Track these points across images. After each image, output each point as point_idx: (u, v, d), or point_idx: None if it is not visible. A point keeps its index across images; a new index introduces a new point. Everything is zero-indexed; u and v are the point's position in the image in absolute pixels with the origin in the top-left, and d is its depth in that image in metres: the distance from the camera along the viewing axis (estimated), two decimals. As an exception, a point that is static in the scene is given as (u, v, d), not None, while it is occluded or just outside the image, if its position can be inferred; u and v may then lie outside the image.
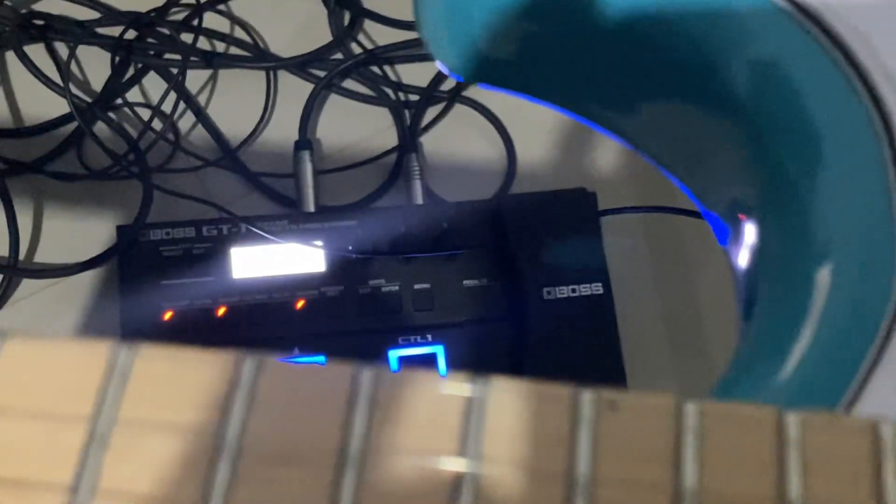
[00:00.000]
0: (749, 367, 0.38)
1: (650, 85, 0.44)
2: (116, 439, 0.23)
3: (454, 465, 0.23)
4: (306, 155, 0.88)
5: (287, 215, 0.83)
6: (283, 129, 0.92)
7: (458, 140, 0.93)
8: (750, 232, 0.42)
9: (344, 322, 0.80)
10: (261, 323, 0.79)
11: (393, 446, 0.23)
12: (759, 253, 0.41)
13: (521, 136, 0.93)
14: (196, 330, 0.78)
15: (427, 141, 0.93)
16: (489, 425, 0.23)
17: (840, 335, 0.35)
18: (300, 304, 0.80)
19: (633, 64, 0.43)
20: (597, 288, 0.81)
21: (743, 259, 0.41)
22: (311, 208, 0.86)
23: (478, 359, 0.80)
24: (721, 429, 0.23)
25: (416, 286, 0.81)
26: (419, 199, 0.88)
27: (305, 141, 0.90)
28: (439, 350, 0.80)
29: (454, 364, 0.80)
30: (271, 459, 0.23)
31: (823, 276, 0.36)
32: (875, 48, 0.37)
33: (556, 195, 0.85)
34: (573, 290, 0.81)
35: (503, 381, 0.24)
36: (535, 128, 0.90)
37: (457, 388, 0.24)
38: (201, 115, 0.93)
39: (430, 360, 0.79)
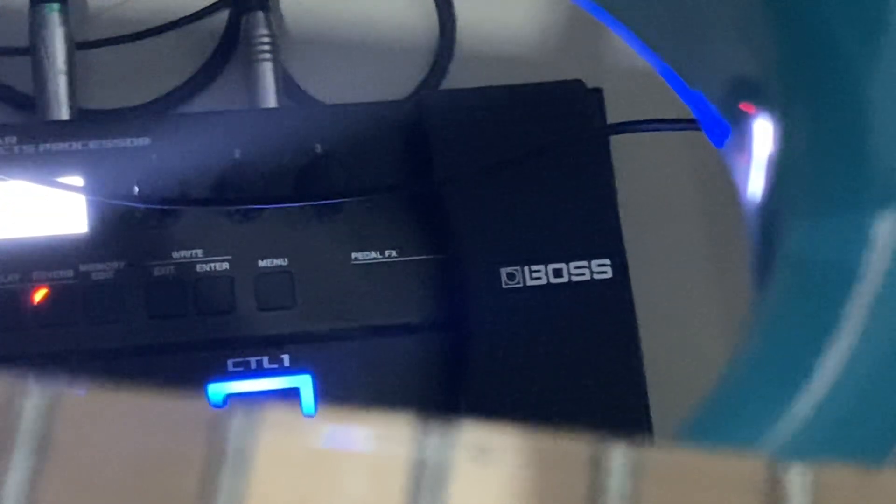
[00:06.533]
0: (748, 387, 0.41)
1: None
2: None
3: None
4: (54, 12, 0.88)
5: (17, 127, 0.85)
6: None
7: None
8: (763, 135, 0.44)
9: (124, 330, 0.81)
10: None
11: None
12: (778, 175, 0.43)
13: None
14: None
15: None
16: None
17: None
18: (39, 295, 0.81)
19: None
20: (602, 268, 0.83)
21: (754, 181, 0.44)
22: (64, 115, 0.87)
23: (377, 395, 0.82)
24: (678, 489, 0.29)
25: (263, 263, 0.82)
26: (271, 100, 0.89)
27: (53, -16, 0.91)
28: (304, 383, 0.81)
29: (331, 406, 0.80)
30: None
31: (884, 230, 0.40)
32: None
33: (529, 93, 0.86)
34: (557, 273, 0.82)
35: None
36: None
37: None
38: None
39: (285, 400, 0.82)
